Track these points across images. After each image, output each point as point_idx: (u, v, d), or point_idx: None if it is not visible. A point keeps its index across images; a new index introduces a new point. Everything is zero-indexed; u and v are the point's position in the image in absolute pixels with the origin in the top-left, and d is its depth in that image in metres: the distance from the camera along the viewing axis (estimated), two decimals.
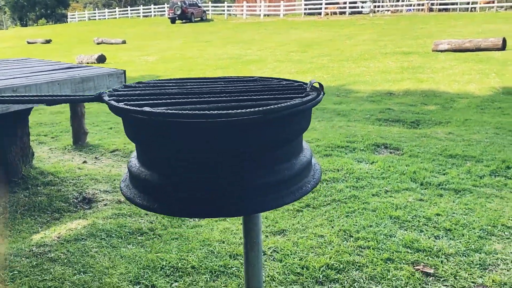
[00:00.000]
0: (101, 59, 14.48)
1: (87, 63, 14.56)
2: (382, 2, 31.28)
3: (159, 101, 0.93)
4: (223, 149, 0.89)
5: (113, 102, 0.92)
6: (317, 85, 1.06)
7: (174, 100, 0.94)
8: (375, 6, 30.02)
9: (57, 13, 47.11)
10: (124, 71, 3.51)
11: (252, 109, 0.82)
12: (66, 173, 3.71)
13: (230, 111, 0.81)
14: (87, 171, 3.80)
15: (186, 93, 1.03)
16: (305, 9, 30.93)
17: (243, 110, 0.82)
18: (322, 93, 1.01)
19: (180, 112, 0.81)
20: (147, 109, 0.84)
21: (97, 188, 3.36)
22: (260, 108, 0.83)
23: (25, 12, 45.98)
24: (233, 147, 0.88)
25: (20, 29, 40.17)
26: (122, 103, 0.90)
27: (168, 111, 0.82)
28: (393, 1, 31.19)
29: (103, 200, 3.15)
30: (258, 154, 0.91)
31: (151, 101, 0.93)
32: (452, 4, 29.12)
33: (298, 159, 1.01)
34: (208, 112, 0.80)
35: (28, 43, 24.30)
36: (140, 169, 0.99)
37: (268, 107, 0.84)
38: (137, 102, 0.92)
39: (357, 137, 4.51)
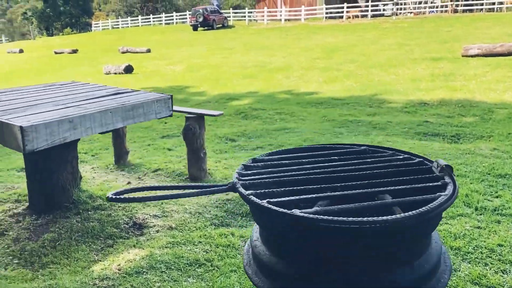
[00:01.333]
0: (129, 69, 14.70)
1: (115, 73, 14.81)
2: (404, 4, 30.88)
3: (296, 197, 0.92)
4: (371, 248, 0.87)
5: (255, 200, 0.91)
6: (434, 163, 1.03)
7: (312, 196, 0.93)
8: (397, 9, 29.67)
9: (81, 22, 48.21)
10: (171, 96, 3.55)
11: (408, 214, 0.81)
12: None
13: (388, 218, 0.80)
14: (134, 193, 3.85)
15: (312, 180, 1.01)
16: (326, 13, 30.78)
17: (400, 216, 0.80)
18: (455, 179, 0.98)
19: (336, 218, 0.80)
20: (297, 212, 0.83)
21: (146, 213, 3.40)
22: (415, 213, 0.81)
23: (51, 22, 47.17)
24: (379, 247, 0.87)
25: (47, 38, 41.21)
26: (265, 201, 0.89)
27: (323, 217, 0.81)
28: (416, 3, 30.77)
29: (154, 226, 3.18)
30: (401, 250, 0.89)
31: (285, 197, 0.92)
32: (477, 4, 28.53)
33: (433, 248, 0.98)
34: (365, 219, 0.79)
35: (56, 53, 24.87)
36: (271, 257, 0.98)
37: (423, 210, 0.82)
38: (276, 200, 0.90)
39: None
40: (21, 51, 27.60)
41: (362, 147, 1.27)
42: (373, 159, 1.15)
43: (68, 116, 2.82)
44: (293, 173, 1.06)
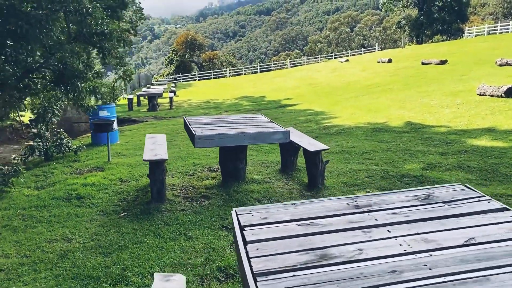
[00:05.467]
0: (511, 92, 11.74)
1: (491, 95, 12.20)
2: None
3: None
4: None
5: None
6: None
7: None
8: None
9: (453, 28, 45.72)
10: None
11: None
12: None
13: None
14: None
15: None
16: None
17: None
18: None
19: None
20: None
21: None
22: None
23: (423, 30, 46.99)
24: None
25: (416, 47, 41.21)
26: None
27: None
28: None
29: None
30: None
31: None
32: None
33: None
34: None
35: (423, 63, 23.93)
36: None
37: None
38: None
39: None
40: (389, 61, 28.28)
41: None
42: None
43: None
44: None
